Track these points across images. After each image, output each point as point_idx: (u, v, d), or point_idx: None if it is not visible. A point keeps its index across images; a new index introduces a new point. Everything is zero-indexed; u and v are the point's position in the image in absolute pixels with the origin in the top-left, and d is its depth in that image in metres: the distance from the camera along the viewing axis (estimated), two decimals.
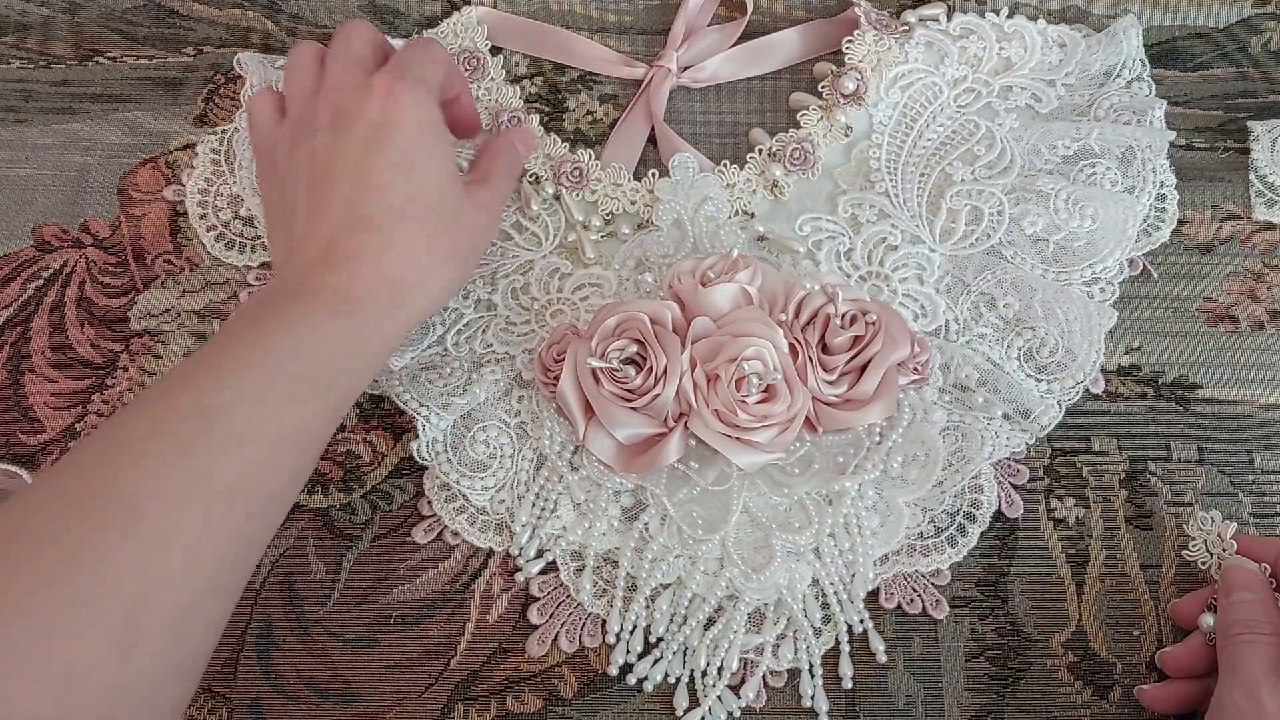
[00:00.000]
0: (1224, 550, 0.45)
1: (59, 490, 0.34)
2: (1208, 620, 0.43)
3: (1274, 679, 0.38)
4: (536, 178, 0.53)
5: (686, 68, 0.56)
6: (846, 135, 0.53)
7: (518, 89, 0.56)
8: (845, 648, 0.45)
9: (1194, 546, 0.45)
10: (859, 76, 0.53)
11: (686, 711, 0.44)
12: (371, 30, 0.45)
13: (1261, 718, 0.37)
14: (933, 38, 0.54)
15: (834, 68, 0.54)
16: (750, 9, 0.57)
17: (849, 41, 0.54)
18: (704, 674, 0.44)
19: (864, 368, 0.46)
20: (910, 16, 0.55)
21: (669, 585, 0.46)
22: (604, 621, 0.46)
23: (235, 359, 0.37)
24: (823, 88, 0.54)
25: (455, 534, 0.47)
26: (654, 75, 0.55)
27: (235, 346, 0.37)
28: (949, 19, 0.55)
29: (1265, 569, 0.43)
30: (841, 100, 0.53)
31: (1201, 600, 0.44)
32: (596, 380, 0.45)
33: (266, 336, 0.38)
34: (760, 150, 0.53)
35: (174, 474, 0.34)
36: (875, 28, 0.54)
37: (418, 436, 0.47)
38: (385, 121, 0.41)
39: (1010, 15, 0.55)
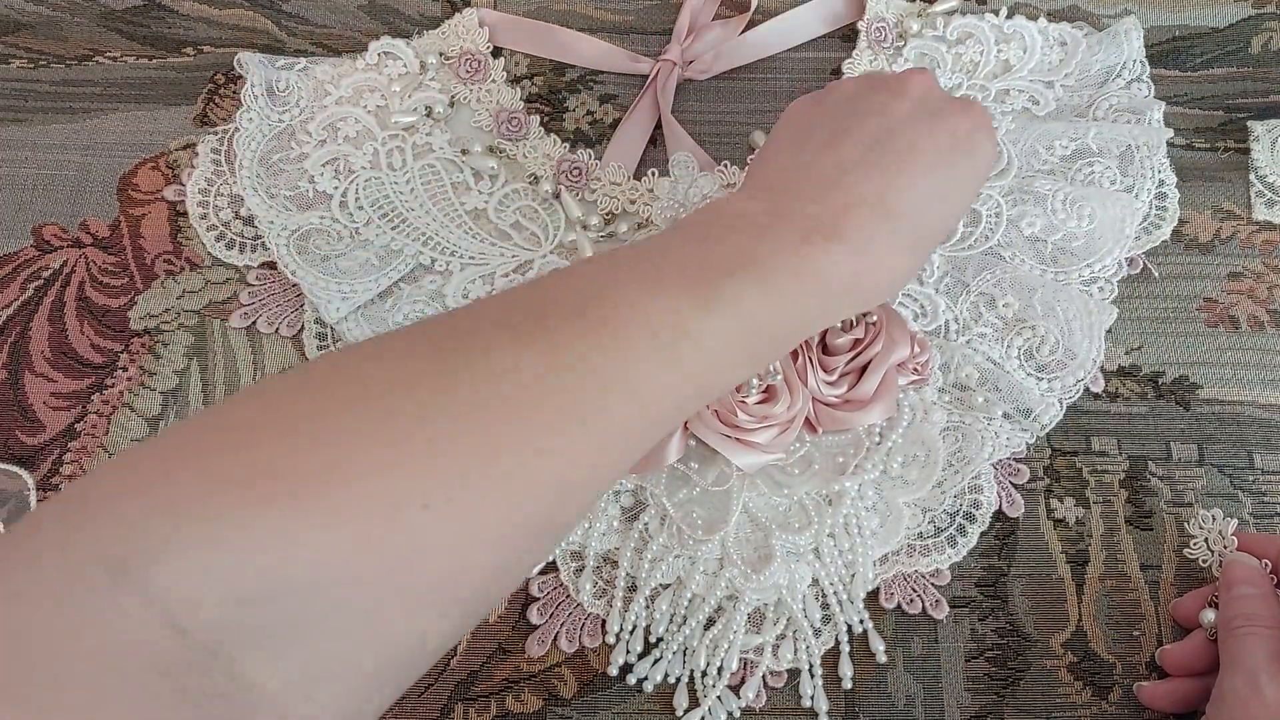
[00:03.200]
0: (1225, 548, 0.45)
1: (509, 353, 0.30)
2: (1209, 616, 0.43)
3: (1274, 668, 0.39)
4: (535, 178, 0.53)
5: (691, 62, 0.56)
6: None
7: (518, 89, 0.56)
8: (845, 648, 0.45)
9: (1195, 544, 0.46)
10: None
11: (686, 712, 0.44)
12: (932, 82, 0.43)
13: (1261, 704, 0.38)
14: (927, 48, 0.54)
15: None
16: (754, 5, 0.57)
17: (849, 62, 0.56)
18: (704, 674, 0.44)
19: (864, 368, 0.46)
20: (914, 25, 0.55)
21: (669, 585, 0.46)
22: (604, 622, 0.46)
23: (723, 288, 0.33)
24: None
25: None
26: (660, 69, 0.55)
27: (728, 273, 0.34)
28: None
29: (1266, 565, 0.43)
30: None
31: (1202, 598, 0.44)
32: None
33: (757, 280, 0.34)
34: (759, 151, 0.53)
35: (637, 381, 0.31)
36: (872, 46, 0.55)
37: None
38: (968, 142, 0.39)
39: (1010, 16, 0.55)
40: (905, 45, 0.55)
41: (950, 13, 0.55)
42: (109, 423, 0.49)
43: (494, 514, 0.29)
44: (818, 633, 0.45)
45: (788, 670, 0.45)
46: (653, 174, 0.53)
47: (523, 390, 0.29)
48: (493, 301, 0.33)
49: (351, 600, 0.27)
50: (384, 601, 0.27)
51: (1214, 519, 0.45)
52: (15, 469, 0.48)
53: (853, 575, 0.46)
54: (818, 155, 0.39)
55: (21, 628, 0.24)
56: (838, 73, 0.56)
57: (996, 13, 0.55)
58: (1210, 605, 0.44)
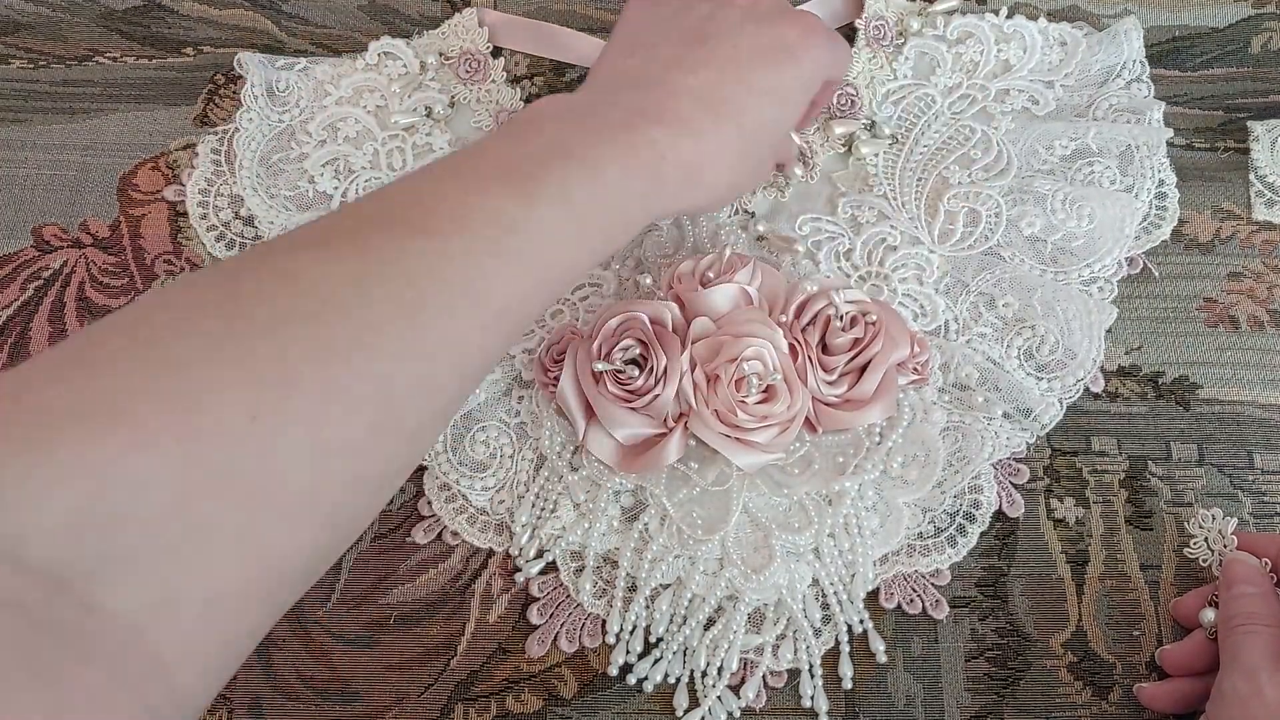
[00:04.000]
0: (1225, 546, 0.45)
1: (341, 256, 0.31)
2: (1209, 615, 0.43)
3: (1274, 666, 0.39)
4: None
5: None
6: (845, 148, 0.54)
7: (518, 89, 0.56)
8: (845, 648, 0.45)
9: (1195, 544, 0.46)
10: (853, 93, 0.54)
11: (686, 712, 0.44)
12: None
13: (1260, 702, 0.38)
14: (926, 47, 0.54)
15: None
16: None
17: None
18: (704, 674, 0.44)
19: (864, 368, 0.46)
20: (914, 24, 0.55)
21: (669, 585, 0.46)
22: (604, 622, 0.46)
23: (546, 178, 0.34)
24: None
25: (455, 534, 0.47)
26: None
27: (549, 163, 0.35)
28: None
29: (1266, 564, 0.43)
30: (838, 114, 0.54)
31: (1203, 598, 0.44)
32: (596, 380, 0.45)
33: (580, 167, 0.35)
34: None
35: (460, 276, 0.32)
36: (871, 45, 0.55)
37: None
38: (795, 48, 0.41)
39: (1010, 15, 0.55)
40: (905, 44, 0.55)
41: (950, 12, 0.55)
42: None
43: (328, 420, 0.29)
44: (818, 633, 0.45)
45: (788, 670, 0.45)
46: None
47: (336, 297, 0.30)
48: (311, 224, 0.33)
49: (198, 520, 0.27)
50: (233, 519, 0.27)
51: (1214, 518, 0.45)
52: None
53: (853, 575, 0.46)
54: (645, 54, 0.41)
55: None
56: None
57: (996, 12, 0.55)
58: (1210, 604, 0.44)
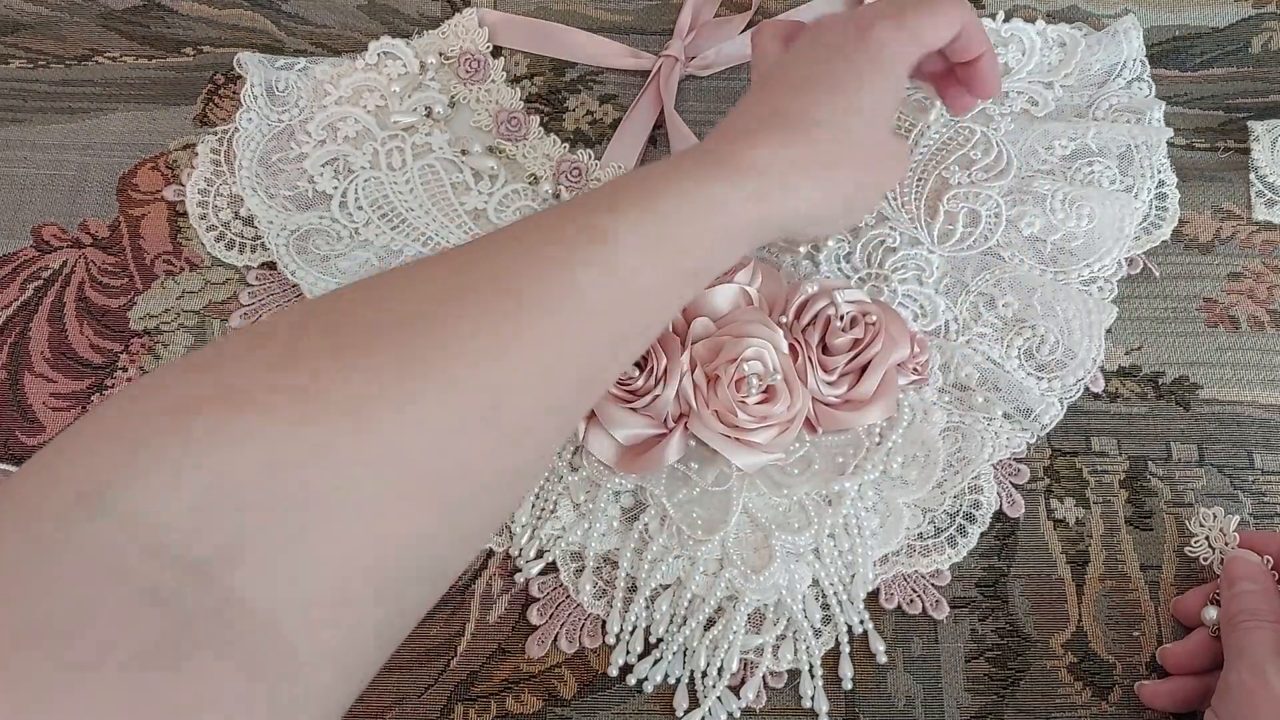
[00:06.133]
0: (1226, 544, 0.45)
1: (442, 273, 0.33)
2: (1210, 614, 0.43)
3: (1279, 661, 0.39)
4: (535, 178, 0.53)
5: (693, 58, 0.56)
6: None
7: (518, 89, 0.56)
8: (845, 648, 0.45)
9: (1196, 542, 0.46)
10: None
11: (686, 712, 0.44)
12: None
13: (1268, 695, 0.38)
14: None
15: None
16: (755, 5, 0.57)
17: None
18: (704, 675, 0.44)
19: (864, 368, 0.46)
20: None
21: (669, 586, 0.46)
22: (604, 622, 0.46)
23: (633, 190, 0.36)
24: None
25: None
26: (662, 64, 0.56)
27: (642, 179, 0.36)
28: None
29: (1267, 561, 0.43)
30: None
31: (1204, 595, 0.44)
32: None
33: (665, 177, 0.36)
34: None
35: (555, 279, 0.33)
36: None
37: None
38: (862, 54, 0.40)
39: (1007, 19, 0.55)
40: None
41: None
42: None
43: (445, 407, 0.30)
44: (818, 633, 0.45)
45: (788, 671, 0.45)
46: None
47: (447, 299, 0.31)
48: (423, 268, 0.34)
49: (331, 502, 0.27)
50: (367, 501, 0.28)
51: (1215, 517, 0.46)
52: (15, 469, 0.48)
53: (853, 575, 0.46)
54: (759, 102, 0.41)
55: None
56: None
57: (994, 16, 0.55)
58: (1212, 602, 0.44)
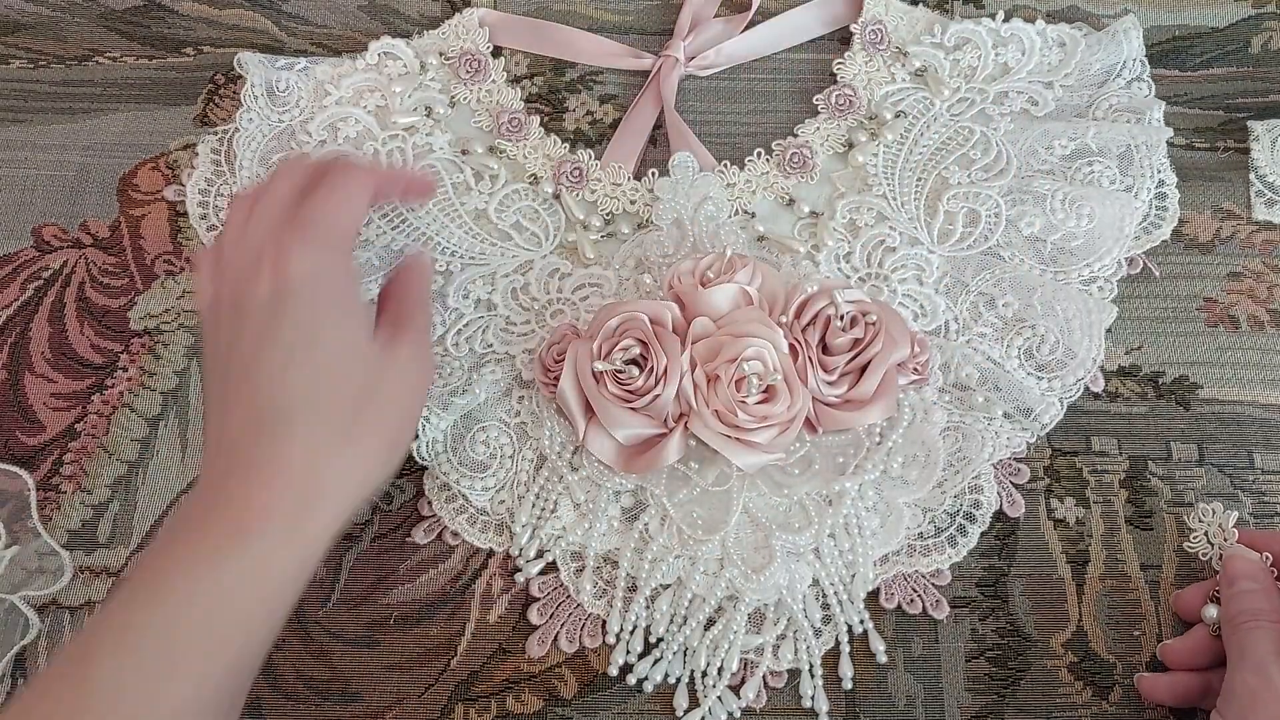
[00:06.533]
0: (1225, 541, 0.45)
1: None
2: (1210, 612, 0.43)
3: None
4: (536, 178, 0.53)
5: (693, 58, 0.56)
6: (845, 148, 0.54)
7: (518, 89, 0.56)
8: (845, 648, 0.45)
9: (1195, 538, 0.46)
10: (851, 93, 0.54)
11: (687, 712, 0.44)
12: (302, 168, 0.41)
13: (1272, 696, 0.38)
14: (925, 55, 0.55)
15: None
16: (755, 5, 0.57)
17: (839, 63, 0.56)
18: (704, 674, 0.44)
19: (864, 368, 0.46)
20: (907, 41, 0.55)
21: (669, 585, 0.46)
22: (604, 622, 0.46)
23: (120, 628, 0.34)
24: (818, 100, 0.55)
25: (455, 534, 0.47)
26: (662, 65, 0.56)
27: (135, 602, 0.35)
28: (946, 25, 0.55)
29: (1267, 559, 0.43)
30: (837, 114, 0.54)
31: (1204, 592, 0.44)
32: (597, 380, 0.45)
33: (156, 595, 0.35)
34: (759, 154, 0.54)
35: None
36: (866, 49, 0.55)
37: (417, 437, 0.47)
38: (276, 303, 0.37)
39: (1007, 19, 0.55)
40: (908, 56, 0.55)
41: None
42: (109, 423, 0.49)
43: None
44: (818, 633, 0.45)
45: (788, 670, 0.45)
46: (653, 174, 0.53)
47: None
48: None
49: None
50: None
51: (1214, 512, 0.45)
52: (15, 469, 0.48)
53: (853, 575, 0.46)
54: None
55: None
56: (832, 75, 0.56)
57: (993, 16, 0.56)
58: (1212, 600, 0.44)
